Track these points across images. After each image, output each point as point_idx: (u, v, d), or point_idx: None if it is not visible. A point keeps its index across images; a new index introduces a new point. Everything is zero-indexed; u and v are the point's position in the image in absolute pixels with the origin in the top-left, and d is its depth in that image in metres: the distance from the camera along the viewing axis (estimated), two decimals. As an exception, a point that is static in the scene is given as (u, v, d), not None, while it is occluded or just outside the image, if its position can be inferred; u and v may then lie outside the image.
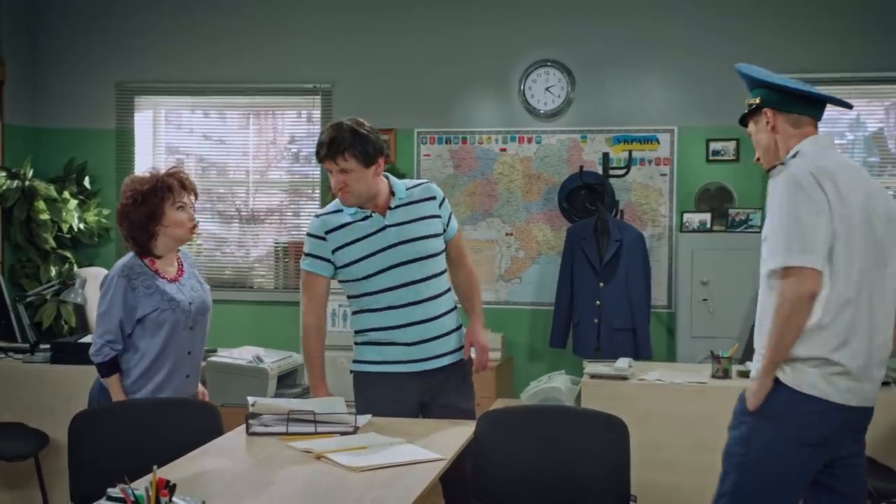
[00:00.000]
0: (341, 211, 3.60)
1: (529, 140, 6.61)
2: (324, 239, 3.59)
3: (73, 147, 7.05)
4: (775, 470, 2.93)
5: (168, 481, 2.20)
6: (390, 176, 3.67)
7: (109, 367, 3.62)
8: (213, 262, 7.06)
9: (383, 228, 3.56)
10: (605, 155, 6.32)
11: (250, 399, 3.45)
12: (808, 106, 3.09)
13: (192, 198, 3.75)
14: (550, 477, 3.33)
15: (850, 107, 3.33)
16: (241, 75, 6.93)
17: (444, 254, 3.68)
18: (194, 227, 3.74)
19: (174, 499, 2.36)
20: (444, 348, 3.63)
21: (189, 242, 3.80)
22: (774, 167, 3.08)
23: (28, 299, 5.07)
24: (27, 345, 4.93)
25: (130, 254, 3.70)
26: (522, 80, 6.61)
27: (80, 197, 6.89)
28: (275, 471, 2.89)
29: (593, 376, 4.58)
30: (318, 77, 6.84)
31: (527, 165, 6.61)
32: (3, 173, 6.59)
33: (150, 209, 3.62)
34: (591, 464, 3.30)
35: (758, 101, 3.11)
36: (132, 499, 2.15)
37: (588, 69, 6.58)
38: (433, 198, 3.67)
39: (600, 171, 6.32)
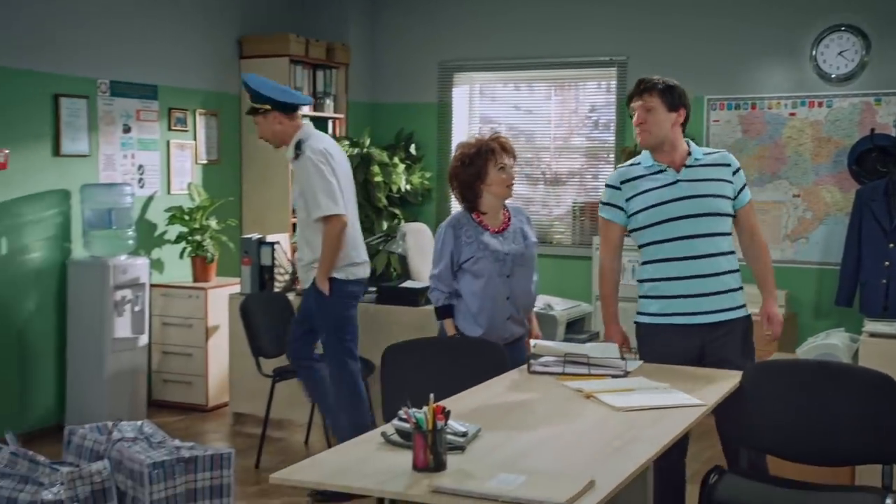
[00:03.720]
0: (638, 164, 3.57)
1: (820, 104, 6.18)
2: (619, 188, 3.56)
3: (402, 119, 7.44)
4: (344, 314, 4.49)
5: (444, 408, 2.31)
6: (691, 141, 3.60)
7: (441, 312, 3.82)
8: (519, 220, 7.20)
9: (676, 182, 3.48)
10: (900, 117, 5.81)
11: (532, 342, 3.53)
12: (295, 107, 4.47)
13: (512, 160, 3.82)
14: (814, 430, 3.15)
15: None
16: (547, 51, 6.98)
17: (730, 218, 3.53)
18: (510, 186, 3.81)
19: (453, 423, 2.49)
20: (723, 304, 3.48)
21: (507, 199, 3.87)
22: (299, 154, 4.39)
23: (361, 248, 5.42)
24: (359, 287, 5.29)
25: (461, 209, 3.86)
26: (814, 45, 6.17)
27: (407, 162, 7.26)
28: (547, 406, 2.94)
29: (872, 335, 4.23)
30: (614, 50, 6.77)
31: (816, 129, 6.19)
32: (347, 142, 7.07)
33: (476, 169, 3.75)
34: (857, 421, 3.09)
35: (268, 107, 4.40)
36: (413, 420, 2.28)
37: (884, 32, 6.04)
38: (728, 165, 3.55)
39: (894, 133, 5.81)
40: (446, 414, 2.31)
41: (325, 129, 7.13)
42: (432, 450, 2.25)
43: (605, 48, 6.80)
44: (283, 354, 4.98)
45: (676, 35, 6.57)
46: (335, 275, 4.40)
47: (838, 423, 3.12)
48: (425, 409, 2.28)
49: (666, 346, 3.52)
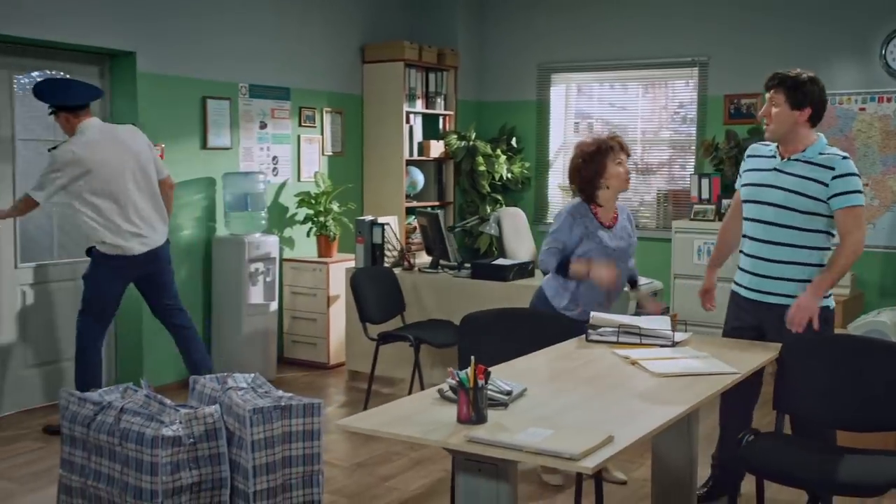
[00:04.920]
0: (768, 145, 3.48)
1: (888, 100, 5.88)
2: (745, 160, 3.55)
3: (504, 115, 7.46)
4: (108, 288, 4.57)
5: (485, 369, 2.37)
6: (822, 137, 3.38)
7: (561, 268, 3.68)
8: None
9: (773, 170, 3.39)
10: (968, 111, 5.46)
11: (592, 314, 3.54)
12: (79, 107, 4.46)
13: (626, 156, 3.76)
14: (850, 402, 3.06)
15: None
16: (635, 53, 6.87)
17: (816, 217, 3.31)
18: (628, 178, 3.77)
19: (499, 382, 2.55)
20: (777, 289, 3.38)
21: (625, 191, 3.81)
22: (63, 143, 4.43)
23: (456, 229, 5.50)
24: (455, 263, 5.38)
25: (579, 199, 3.80)
26: (884, 44, 5.86)
27: (508, 153, 7.28)
28: (594, 371, 2.95)
29: (922, 315, 4.06)
30: (697, 51, 6.60)
31: (885, 123, 5.89)
32: (455, 136, 7.16)
33: (596, 166, 3.71)
34: (891, 390, 2.98)
35: (55, 108, 4.43)
36: (457, 378, 2.35)
37: (955, 30, 5.68)
38: (831, 168, 3.26)
39: (962, 126, 5.47)
40: (486, 374, 2.36)
41: (436, 125, 7.25)
42: (474, 405, 2.32)
43: (687, 49, 6.63)
44: (388, 320, 5.13)
45: (753, 37, 6.35)
46: (98, 247, 4.58)
47: (873, 392, 3.02)
48: (468, 369, 2.35)
49: (734, 312, 3.55)
